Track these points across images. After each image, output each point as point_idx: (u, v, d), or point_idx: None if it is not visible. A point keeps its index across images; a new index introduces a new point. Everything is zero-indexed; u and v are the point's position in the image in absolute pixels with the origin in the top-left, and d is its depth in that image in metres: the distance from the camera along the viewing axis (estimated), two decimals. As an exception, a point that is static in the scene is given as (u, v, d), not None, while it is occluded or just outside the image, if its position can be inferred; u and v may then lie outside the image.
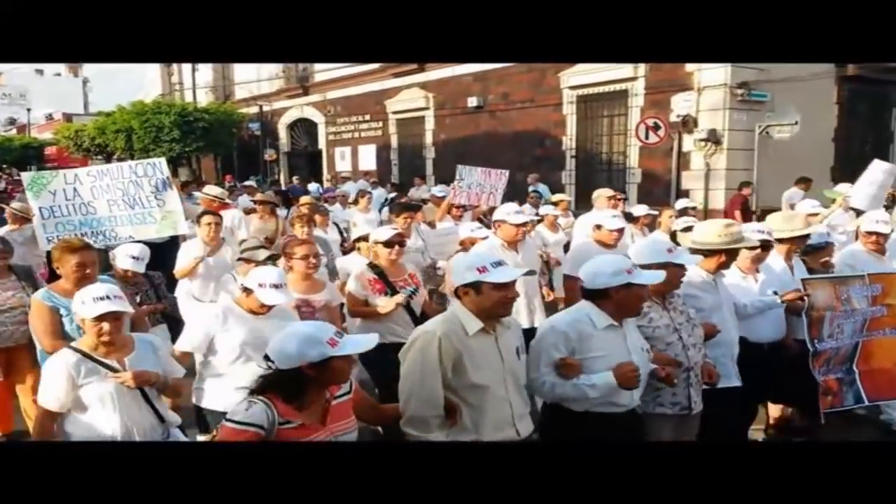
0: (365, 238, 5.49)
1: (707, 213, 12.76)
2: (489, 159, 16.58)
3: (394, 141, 20.28)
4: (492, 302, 2.79)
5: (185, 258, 6.06)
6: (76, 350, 3.12)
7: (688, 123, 12.89)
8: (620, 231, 5.57)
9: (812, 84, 12.63)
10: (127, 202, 6.44)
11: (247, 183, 15.09)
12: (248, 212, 9.07)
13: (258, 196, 9.11)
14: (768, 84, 12.74)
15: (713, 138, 12.70)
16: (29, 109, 49.38)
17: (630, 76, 13.75)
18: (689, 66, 12.92)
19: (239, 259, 4.97)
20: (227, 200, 9.00)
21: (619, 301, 3.01)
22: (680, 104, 13.06)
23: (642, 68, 13.61)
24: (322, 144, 23.04)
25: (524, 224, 5.26)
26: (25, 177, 6.56)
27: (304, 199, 10.02)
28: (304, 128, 24.17)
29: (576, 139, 15.22)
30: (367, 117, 20.94)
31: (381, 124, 20.53)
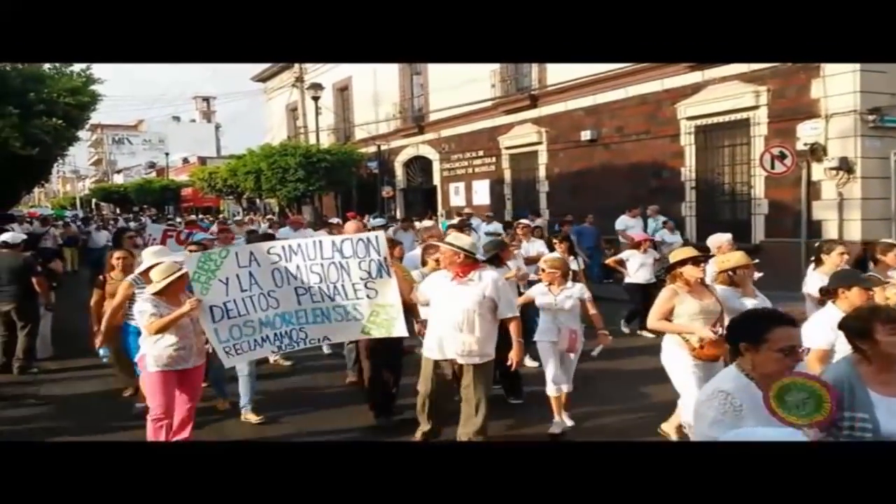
0: None
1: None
2: (604, 192, 16.60)
3: (507, 176, 20.52)
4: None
5: None
6: None
7: (816, 152, 12.36)
8: None
9: (952, 107, 11.86)
10: (325, 291, 4.91)
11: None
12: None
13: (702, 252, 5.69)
14: (901, 109, 12.07)
15: (845, 167, 12.10)
16: (167, 154, 53.19)
17: (752, 105, 13.38)
18: (815, 93, 12.45)
19: None
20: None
21: None
22: (807, 132, 12.55)
23: (764, 96, 13.22)
24: (437, 181, 23.64)
25: None
26: (190, 263, 4.91)
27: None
28: (419, 165, 24.89)
29: (695, 170, 14.89)
30: (481, 153, 21.33)
31: (494, 160, 20.84)
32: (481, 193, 21.50)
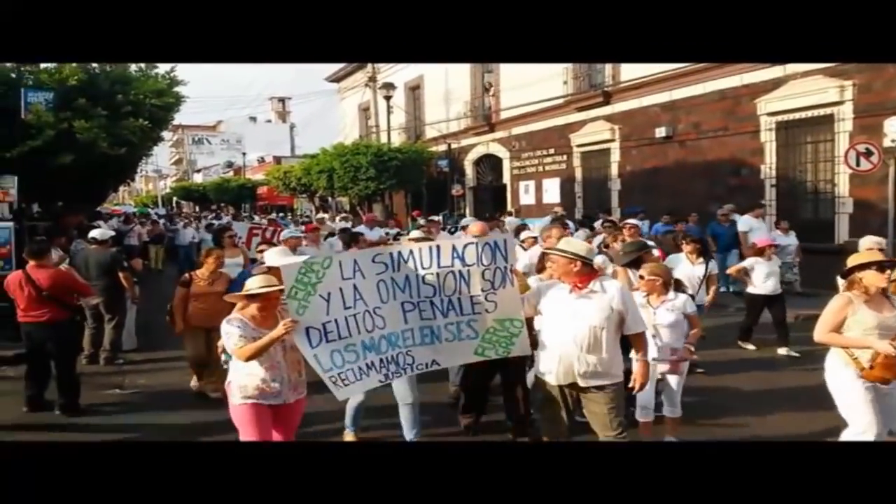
0: None
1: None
2: (679, 190, 16.20)
3: (578, 174, 20.28)
4: None
5: None
6: None
7: (905, 148, 11.75)
8: None
9: None
10: (438, 306, 4.13)
11: None
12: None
13: None
14: None
15: (936, 164, 11.47)
16: (244, 153, 54.62)
17: (836, 100, 12.83)
18: (904, 87, 11.86)
19: None
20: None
21: None
22: (894, 128, 11.94)
23: (849, 91, 12.66)
24: (507, 179, 23.56)
25: None
26: (287, 274, 3.92)
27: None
28: (489, 163, 24.86)
29: (776, 167, 14.38)
30: (552, 151, 21.14)
31: (565, 157, 20.63)
32: (552, 192, 21.31)
